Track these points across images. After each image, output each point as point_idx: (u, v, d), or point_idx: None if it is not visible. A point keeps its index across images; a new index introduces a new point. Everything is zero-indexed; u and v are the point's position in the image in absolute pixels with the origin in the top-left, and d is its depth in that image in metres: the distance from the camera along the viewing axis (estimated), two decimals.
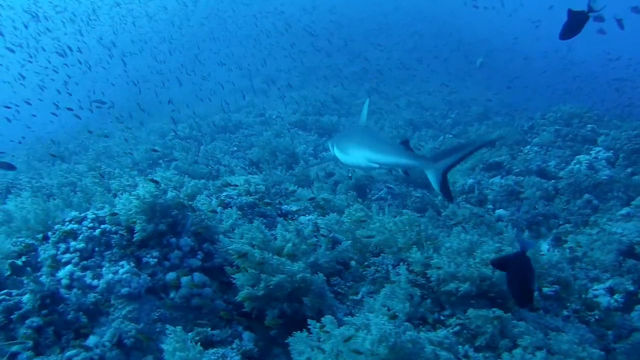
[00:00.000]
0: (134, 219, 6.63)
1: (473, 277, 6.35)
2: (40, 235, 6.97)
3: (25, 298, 5.85)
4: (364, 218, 8.53)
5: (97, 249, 6.50)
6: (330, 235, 7.82)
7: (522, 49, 44.39)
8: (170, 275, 6.38)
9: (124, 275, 6.13)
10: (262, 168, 15.32)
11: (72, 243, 6.49)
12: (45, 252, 6.49)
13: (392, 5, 49.00)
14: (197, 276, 6.48)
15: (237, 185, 9.77)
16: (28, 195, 9.60)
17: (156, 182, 7.16)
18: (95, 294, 6.02)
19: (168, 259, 6.56)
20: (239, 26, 44.95)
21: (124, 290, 6.03)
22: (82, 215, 6.94)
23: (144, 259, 6.49)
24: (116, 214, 6.86)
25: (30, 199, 8.49)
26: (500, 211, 13.17)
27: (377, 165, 8.71)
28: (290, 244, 6.73)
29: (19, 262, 6.48)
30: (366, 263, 7.46)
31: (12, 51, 27.97)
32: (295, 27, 40.51)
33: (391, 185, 14.02)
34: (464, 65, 36.30)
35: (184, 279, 6.34)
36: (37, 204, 8.63)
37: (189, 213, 7.07)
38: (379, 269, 7.24)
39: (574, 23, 8.42)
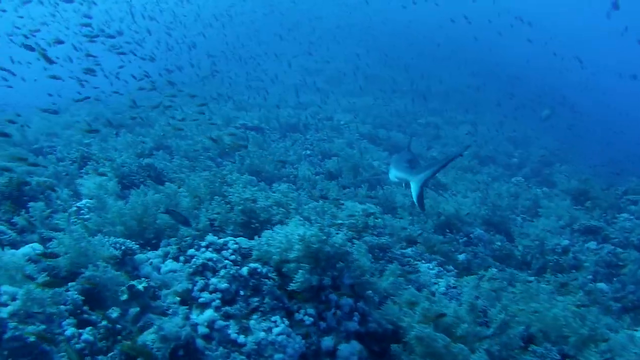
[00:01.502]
0: (291, 263, 5.24)
1: None
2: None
3: (149, 339, 4.50)
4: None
5: (242, 292, 5.13)
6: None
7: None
8: (327, 342, 5.00)
9: (279, 337, 4.80)
10: (340, 182, 13.95)
11: (213, 280, 5.14)
12: (178, 283, 5.11)
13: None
14: (354, 345, 5.12)
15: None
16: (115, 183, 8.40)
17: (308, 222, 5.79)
18: (243, 357, 4.63)
19: (324, 318, 5.17)
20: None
21: (278, 356, 4.66)
22: (220, 241, 5.59)
23: (298, 315, 5.11)
24: (262, 252, 5.48)
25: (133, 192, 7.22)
26: (601, 285, 11.71)
27: (397, 180, 10.15)
28: (465, 325, 5.36)
29: (140, 287, 5.12)
30: None
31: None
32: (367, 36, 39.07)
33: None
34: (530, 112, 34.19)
35: (343, 348, 4.97)
36: (137, 196, 7.35)
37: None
38: None
39: None
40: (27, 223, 6.99)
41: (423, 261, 8.98)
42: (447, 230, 12.12)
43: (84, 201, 7.96)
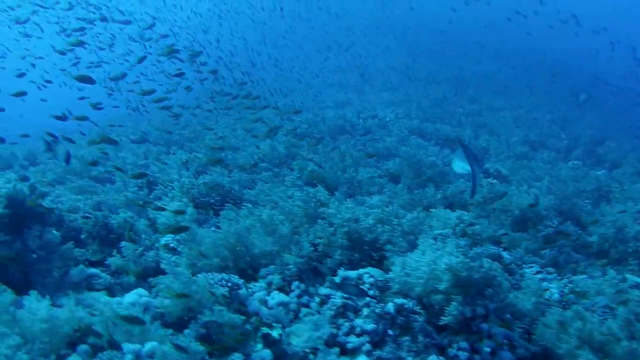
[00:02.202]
0: (438, 295, 4.71)
1: None
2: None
3: None
4: None
5: (390, 331, 4.61)
6: None
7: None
8: None
9: None
10: (404, 183, 13.40)
11: (358, 322, 4.59)
12: (319, 329, 4.61)
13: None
14: None
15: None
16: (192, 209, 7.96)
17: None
18: None
19: (477, 351, 4.63)
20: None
21: None
22: (354, 273, 5.06)
23: (451, 350, 4.58)
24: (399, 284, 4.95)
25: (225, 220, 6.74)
26: None
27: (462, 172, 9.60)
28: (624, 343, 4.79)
29: (275, 335, 4.64)
30: None
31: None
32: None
33: None
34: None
35: None
36: (230, 224, 6.88)
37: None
38: None
39: None
40: (122, 264, 6.55)
41: (524, 265, 8.39)
42: (527, 226, 11.55)
43: (171, 236, 7.50)
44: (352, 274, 5.33)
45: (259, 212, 7.09)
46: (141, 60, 12.54)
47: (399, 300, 4.86)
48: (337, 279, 5.33)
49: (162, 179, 11.15)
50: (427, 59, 35.58)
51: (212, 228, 8.61)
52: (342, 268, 5.82)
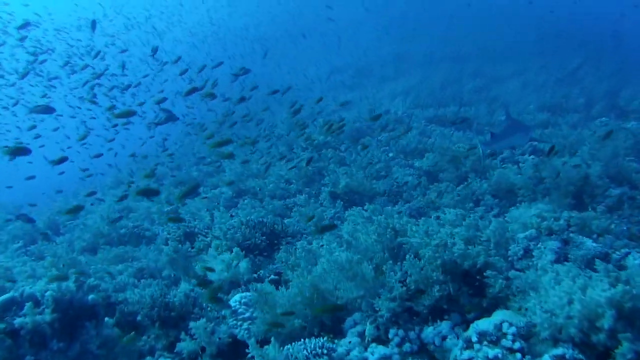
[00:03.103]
0: (601, 334, 3.88)
1: None
2: None
3: None
4: None
5: None
6: None
7: None
8: None
9: None
10: (440, 179, 12.54)
11: None
12: None
13: None
14: None
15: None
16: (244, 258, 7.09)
17: None
18: None
19: None
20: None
21: None
22: (489, 324, 4.22)
23: None
24: None
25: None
26: None
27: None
28: None
29: None
30: None
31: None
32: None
33: None
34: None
35: None
36: (300, 277, 6.07)
37: None
38: None
39: None
40: (194, 348, 5.71)
41: (616, 252, 7.49)
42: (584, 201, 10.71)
43: (237, 297, 6.65)
44: (488, 325, 4.48)
45: (334, 256, 6.21)
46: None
47: (557, 351, 4.01)
48: (473, 337, 4.48)
49: (198, 227, 10.31)
50: (420, 41, 34.58)
51: (272, 276, 7.80)
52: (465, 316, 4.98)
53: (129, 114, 9.05)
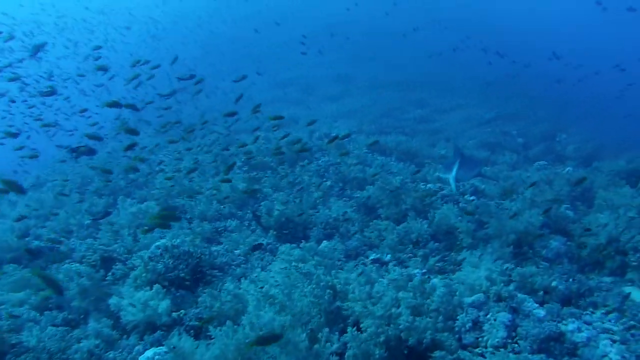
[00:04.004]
0: None
1: None
2: None
3: None
4: None
5: None
6: None
7: None
8: None
9: None
10: (380, 215, 11.97)
11: None
12: None
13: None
14: None
15: None
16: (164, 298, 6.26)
17: None
18: None
19: None
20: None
21: None
22: None
23: None
24: None
25: None
26: None
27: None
28: None
29: None
30: None
31: None
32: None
33: None
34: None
35: None
36: (225, 338, 5.32)
37: None
38: None
39: None
40: None
41: (563, 320, 7.03)
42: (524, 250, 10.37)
43: (149, 353, 5.77)
44: None
45: (266, 318, 5.41)
46: None
47: None
48: None
49: (118, 252, 9.32)
50: (367, 64, 34.26)
51: (193, 322, 6.93)
52: None
53: None
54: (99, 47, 17.10)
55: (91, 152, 9.99)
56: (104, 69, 13.12)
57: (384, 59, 35.67)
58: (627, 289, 10.05)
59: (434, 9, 44.33)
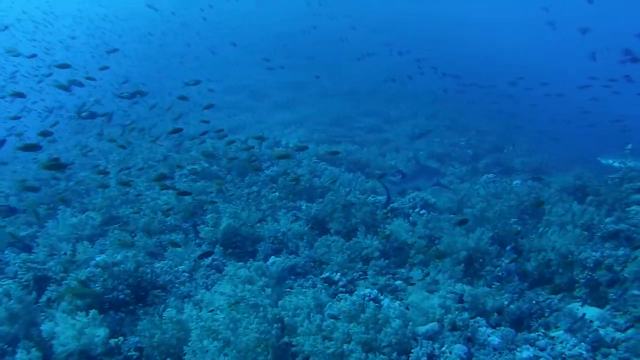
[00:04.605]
0: None
1: None
2: None
3: None
4: None
5: None
6: None
7: None
8: None
9: None
10: (330, 229, 11.62)
11: None
12: None
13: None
14: None
15: None
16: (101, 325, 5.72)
17: None
18: None
19: None
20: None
21: None
22: None
23: None
24: None
25: None
26: None
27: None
28: None
29: None
30: None
31: None
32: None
33: None
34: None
35: None
36: None
37: None
38: None
39: None
40: None
41: (517, 348, 6.76)
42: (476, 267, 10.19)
43: None
44: None
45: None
46: None
47: None
48: None
49: (54, 270, 8.66)
50: (318, 72, 33.92)
51: (132, 352, 6.39)
52: None
53: None
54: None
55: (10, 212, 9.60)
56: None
57: (334, 68, 35.53)
58: (575, 306, 10.00)
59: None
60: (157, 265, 9.63)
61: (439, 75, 29.53)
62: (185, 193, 10.92)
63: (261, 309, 5.40)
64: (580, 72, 28.97)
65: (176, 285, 8.99)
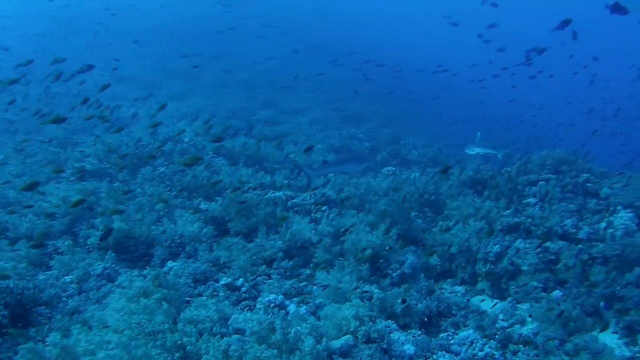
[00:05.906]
0: None
1: None
2: None
3: None
4: None
5: None
6: None
7: None
8: None
9: None
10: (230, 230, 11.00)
11: None
12: None
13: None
14: None
15: None
16: None
17: None
18: None
19: None
20: None
21: None
22: None
23: None
24: None
25: None
26: (556, 293, 10.02)
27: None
28: None
29: None
30: None
31: None
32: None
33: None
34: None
35: None
36: None
37: None
38: None
39: None
40: None
41: (433, 355, 6.47)
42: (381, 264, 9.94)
43: None
44: None
45: None
46: None
47: None
48: None
49: None
50: (214, 61, 32.79)
51: None
52: None
53: None
54: None
55: None
56: None
57: (231, 57, 34.59)
58: (479, 298, 10.02)
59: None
60: (41, 277, 8.61)
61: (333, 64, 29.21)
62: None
63: (159, 336, 4.71)
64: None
65: (63, 299, 8.06)
